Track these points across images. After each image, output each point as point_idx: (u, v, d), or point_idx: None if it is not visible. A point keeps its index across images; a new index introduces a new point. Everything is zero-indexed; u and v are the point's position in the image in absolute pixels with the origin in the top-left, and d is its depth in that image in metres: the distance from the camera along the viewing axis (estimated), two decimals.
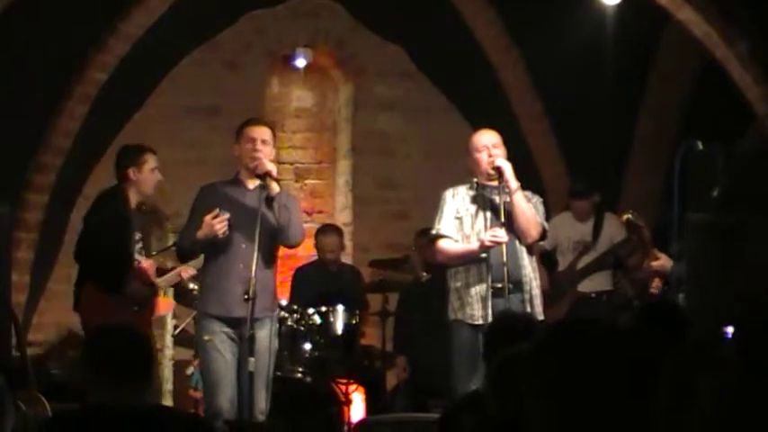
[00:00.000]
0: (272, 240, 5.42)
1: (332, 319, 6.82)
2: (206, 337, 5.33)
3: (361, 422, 6.38)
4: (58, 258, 8.48)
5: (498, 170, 5.46)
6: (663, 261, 5.85)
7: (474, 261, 5.47)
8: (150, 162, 5.92)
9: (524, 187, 5.58)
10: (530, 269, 5.53)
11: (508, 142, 5.66)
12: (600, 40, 7.47)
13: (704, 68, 7.62)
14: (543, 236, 5.69)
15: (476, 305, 5.44)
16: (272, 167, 5.41)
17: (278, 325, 5.77)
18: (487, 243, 5.37)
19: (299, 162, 9.44)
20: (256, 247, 5.21)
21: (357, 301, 7.15)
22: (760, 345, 1.52)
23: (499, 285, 5.37)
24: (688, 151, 5.16)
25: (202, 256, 5.63)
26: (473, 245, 5.47)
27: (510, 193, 5.45)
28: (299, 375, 6.67)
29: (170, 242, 6.73)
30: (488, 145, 5.54)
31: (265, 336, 5.33)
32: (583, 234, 7.28)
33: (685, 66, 8.00)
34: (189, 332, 6.72)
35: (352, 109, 9.30)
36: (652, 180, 8.09)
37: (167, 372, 7.81)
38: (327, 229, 7.77)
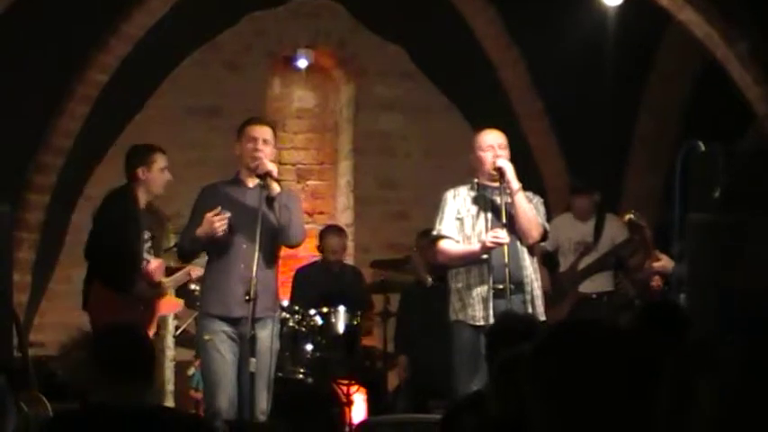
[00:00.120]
0: (273, 240, 5.42)
1: (333, 320, 6.82)
2: (206, 337, 5.33)
3: (362, 423, 6.37)
4: (60, 259, 8.49)
5: (500, 171, 5.46)
6: (664, 262, 5.85)
7: (475, 262, 5.46)
8: (159, 162, 5.93)
9: (525, 186, 5.58)
10: (531, 270, 5.53)
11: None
12: (601, 39, 7.47)
13: (705, 69, 7.62)
14: (544, 237, 5.69)
15: (477, 306, 5.44)
16: (272, 167, 5.41)
17: (279, 325, 5.77)
18: (489, 244, 5.36)
19: (300, 163, 9.44)
20: (257, 247, 5.21)
21: (359, 302, 7.15)
22: (761, 345, 1.52)
23: (500, 286, 5.37)
24: (689, 151, 5.15)
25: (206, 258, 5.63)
26: (474, 246, 5.46)
27: (511, 194, 5.45)
28: (301, 376, 6.67)
29: (171, 243, 6.74)
30: (494, 145, 5.52)
31: (267, 336, 5.32)
32: (584, 235, 7.28)
33: (686, 66, 8.00)
34: (190, 333, 6.73)
35: (353, 109, 9.30)
36: (652, 179, 8.09)
37: (168, 372, 7.82)
38: (332, 230, 7.77)
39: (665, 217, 5.78)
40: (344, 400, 6.62)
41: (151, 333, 5.95)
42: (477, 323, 5.42)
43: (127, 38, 7.70)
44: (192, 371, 6.95)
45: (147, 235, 5.96)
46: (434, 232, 5.63)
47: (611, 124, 8.05)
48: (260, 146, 5.45)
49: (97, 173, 8.64)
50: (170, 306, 6.24)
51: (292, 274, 7.70)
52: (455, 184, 5.70)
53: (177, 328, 7.14)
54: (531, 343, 1.87)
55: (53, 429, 2.95)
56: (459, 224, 5.55)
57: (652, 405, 1.68)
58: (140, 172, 5.89)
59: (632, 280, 7.07)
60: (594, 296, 7.15)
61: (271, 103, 9.31)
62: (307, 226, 6.21)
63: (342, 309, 6.84)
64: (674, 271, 5.62)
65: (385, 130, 9.22)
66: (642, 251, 6.69)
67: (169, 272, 6.13)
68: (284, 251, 5.70)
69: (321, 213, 9.31)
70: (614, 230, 7.16)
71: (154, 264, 5.98)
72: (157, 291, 5.98)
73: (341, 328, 6.82)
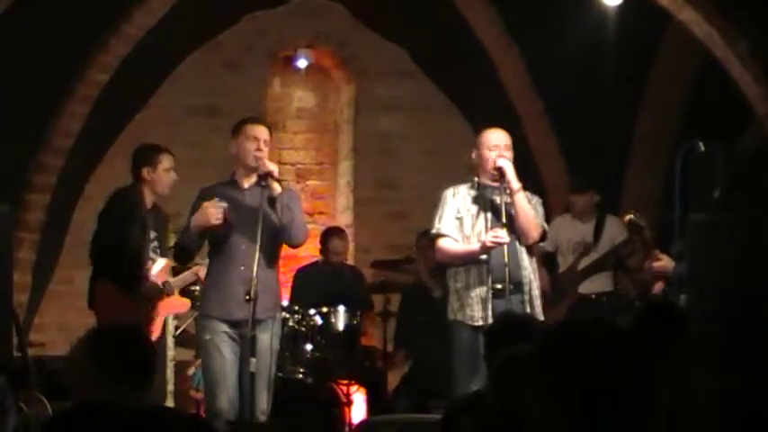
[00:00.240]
0: (274, 240, 5.41)
1: (333, 320, 6.83)
2: (207, 337, 5.32)
3: (362, 423, 6.37)
4: (60, 259, 8.50)
5: (500, 170, 5.45)
6: (664, 262, 5.84)
7: (474, 262, 5.46)
8: (165, 162, 5.94)
9: (525, 186, 5.57)
10: (530, 270, 5.52)
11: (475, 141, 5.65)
12: (601, 39, 7.47)
13: (705, 69, 7.62)
14: (543, 237, 5.69)
15: (476, 306, 5.44)
16: (273, 168, 5.40)
17: (281, 325, 5.77)
18: (489, 244, 5.35)
19: (300, 163, 9.44)
20: (258, 248, 5.21)
21: (359, 302, 7.15)
22: (761, 345, 1.53)
23: (500, 286, 5.36)
24: (689, 152, 5.15)
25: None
26: (474, 245, 5.45)
27: (511, 194, 5.44)
28: (300, 376, 6.67)
29: (171, 243, 6.73)
30: (500, 145, 5.51)
31: (268, 336, 5.32)
32: (584, 235, 7.28)
33: (686, 66, 8.00)
34: (190, 333, 6.73)
35: (353, 109, 9.30)
36: (652, 180, 8.09)
37: (168, 372, 7.82)
38: (335, 232, 7.77)
39: (665, 217, 5.77)
40: (344, 400, 6.62)
41: (157, 332, 5.96)
42: (476, 323, 5.41)
43: (127, 38, 7.70)
44: (192, 371, 6.95)
45: (152, 235, 5.96)
46: (433, 230, 5.62)
47: (611, 124, 8.05)
48: (262, 146, 5.44)
49: (97, 173, 8.64)
50: (177, 306, 6.23)
51: (292, 274, 7.70)
52: (455, 183, 5.70)
53: (177, 328, 7.13)
54: (530, 343, 1.87)
55: (53, 429, 2.95)
56: (459, 223, 5.54)
57: (652, 405, 1.68)
58: (145, 172, 5.90)
59: (633, 280, 7.07)
60: (594, 296, 7.15)
61: (271, 103, 9.31)
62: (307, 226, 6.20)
63: (341, 309, 6.84)
64: (674, 271, 5.62)
65: (385, 130, 9.21)
66: (642, 252, 6.69)
67: (175, 272, 6.14)
68: (284, 251, 5.69)
69: (321, 214, 9.31)
70: (614, 231, 7.16)
71: (160, 263, 5.98)
72: (161, 289, 5.98)
73: (340, 328, 6.82)
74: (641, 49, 7.95)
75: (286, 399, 5.84)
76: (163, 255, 6.04)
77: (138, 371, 2.86)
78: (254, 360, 5.27)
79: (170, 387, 7.79)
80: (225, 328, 5.30)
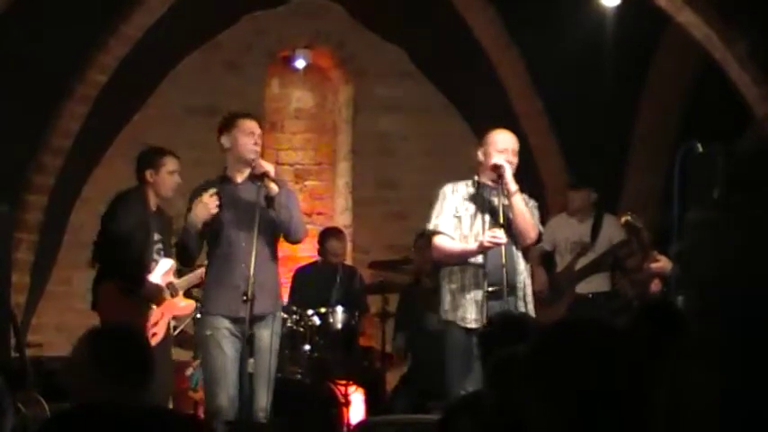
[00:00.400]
0: (273, 237, 5.42)
1: (331, 321, 6.82)
2: (208, 333, 5.30)
3: (360, 423, 6.37)
4: (58, 260, 8.49)
5: (498, 169, 5.43)
6: (663, 263, 5.84)
7: (470, 263, 5.44)
8: (169, 165, 5.95)
9: (524, 186, 5.57)
10: (525, 275, 5.52)
11: (482, 139, 5.64)
12: (600, 40, 7.47)
13: (704, 68, 7.62)
14: (539, 239, 5.70)
15: (469, 308, 5.41)
16: (270, 168, 5.38)
17: (281, 322, 5.77)
18: (486, 244, 5.34)
19: (298, 163, 9.44)
20: (254, 247, 5.20)
21: (356, 303, 7.15)
22: (760, 345, 1.52)
23: (496, 288, 5.35)
24: (687, 152, 5.14)
25: None
26: (471, 245, 5.43)
27: (508, 195, 5.42)
28: (299, 377, 6.66)
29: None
30: (508, 149, 5.48)
31: (268, 334, 5.30)
32: (581, 235, 7.28)
33: (685, 66, 8.00)
34: (188, 333, 6.72)
35: (352, 110, 9.30)
36: (652, 179, 8.09)
37: None
38: (333, 233, 7.77)
39: (664, 217, 5.77)
40: (343, 400, 6.61)
41: (161, 333, 5.95)
42: (469, 325, 5.40)
43: (126, 38, 7.69)
44: (190, 371, 6.94)
45: (156, 237, 5.96)
46: (430, 226, 5.57)
47: (611, 124, 8.05)
48: (258, 140, 5.44)
49: (96, 173, 8.64)
50: (182, 307, 6.22)
51: (291, 274, 7.70)
52: (454, 181, 5.67)
53: (175, 328, 7.13)
54: (526, 343, 1.87)
55: (51, 430, 2.94)
56: (457, 222, 5.52)
57: (651, 405, 1.67)
58: (148, 174, 5.91)
59: (631, 280, 7.06)
60: (591, 296, 7.15)
61: (269, 104, 9.31)
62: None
63: (339, 309, 6.84)
64: (672, 271, 5.61)
65: (384, 130, 9.21)
66: (639, 253, 6.68)
67: (180, 274, 6.13)
68: (282, 251, 5.68)
69: (320, 214, 9.31)
70: (612, 231, 7.16)
71: (164, 265, 5.98)
72: (164, 291, 5.98)
73: (339, 328, 6.82)
74: (640, 49, 7.95)
75: (284, 399, 5.83)
76: (167, 257, 6.03)
77: (137, 371, 2.86)
78: (251, 360, 5.26)
79: None
80: (226, 324, 5.29)
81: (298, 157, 9.45)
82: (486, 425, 2.60)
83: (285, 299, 6.90)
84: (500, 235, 5.32)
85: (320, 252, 7.69)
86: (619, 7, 7.21)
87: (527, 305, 5.49)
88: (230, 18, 8.90)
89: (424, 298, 7.13)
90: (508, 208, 5.44)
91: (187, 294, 6.24)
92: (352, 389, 6.67)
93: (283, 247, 5.73)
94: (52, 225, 8.06)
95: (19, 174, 7.67)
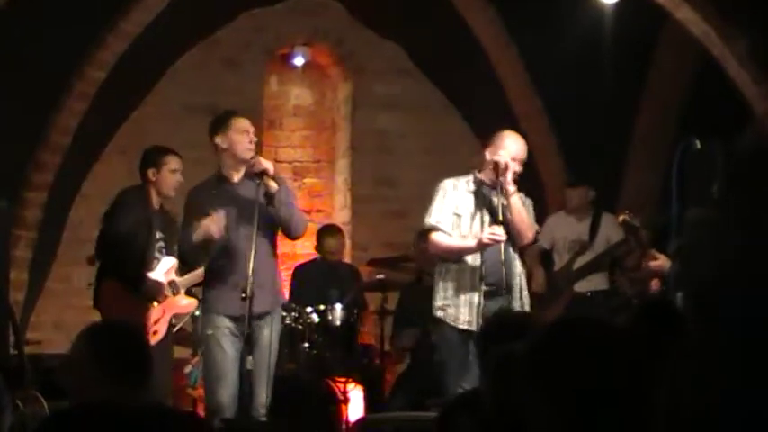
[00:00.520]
0: (272, 235, 5.43)
1: (330, 318, 6.82)
2: (209, 332, 5.32)
3: (359, 421, 6.37)
4: (57, 257, 8.49)
5: (497, 166, 5.42)
6: (661, 261, 5.83)
7: (468, 263, 5.42)
8: (171, 164, 5.96)
9: (523, 184, 5.56)
10: (522, 275, 5.53)
11: (493, 136, 5.63)
12: (599, 37, 7.47)
13: (704, 65, 7.61)
14: (535, 239, 5.71)
15: (463, 309, 5.40)
16: (269, 166, 5.39)
17: (282, 317, 5.79)
18: (486, 241, 5.33)
19: (297, 161, 9.43)
20: (253, 246, 5.20)
21: (356, 300, 7.14)
22: (760, 345, 1.52)
23: (493, 286, 5.35)
24: (686, 149, 5.14)
25: None
26: (470, 242, 5.43)
27: (506, 195, 5.40)
28: (297, 374, 6.66)
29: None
30: (518, 158, 5.47)
31: (268, 331, 5.32)
32: (579, 233, 7.27)
33: (684, 64, 8.00)
34: (187, 331, 6.72)
35: (350, 107, 9.29)
36: (651, 178, 8.09)
37: None
38: (329, 231, 7.77)
39: (662, 216, 5.77)
40: (341, 397, 6.61)
41: (162, 331, 5.95)
42: (461, 326, 5.39)
43: (124, 35, 7.69)
44: (188, 368, 6.94)
45: (159, 235, 5.97)
46: (431, 221, 5.53)
47: (610, 123, 8.04)
48: (252, 138, 5.44)
49: (95, 171, 8.64)
50: (183, 305, 6.22)
51: (290, 272, 7.70)
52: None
53: (174, 325, 7.13)
54: (525, 341, 1.87)
55: (49, 428, 2.94)
56: (457, 220, 5.50)
57: (650, 404, 1.67)
58: (151, 173, 5.93)
59: (629, 279, 7.06)
60: (590, 295, 7.15)
61: (268, 101, 9.30)
62: None
63: (338, 306, 6.84)
64: (671, 270, 5.61)
65: (382, 128, 9.21)
66: (637, 252, 6.68)
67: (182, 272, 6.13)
68: (281, 249, 5.68)
69: (319, 211, 9.30)
70: (610, 230, 7.15)
71: (167, 263, 5.98)
72: (165, 289, 5.97)
73: (338, 325, 6.82)
74: (639, 46, 7.95)
75: (283, 396, 5.83)
76: (169, 255, 6.03)
77: (136, 371, 2.85)
78: (250, 358, 5.26)
79: None
80: (227, 323, 5.30)
81: (296, 154, 9.44)
82: (485, 423, 2.60)
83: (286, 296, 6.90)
84: (499, 232, 5.32)
85: (318, 249, 7.70)
86: (617, 5, 7.21)
87: (524, 305, 5.48)
88: (229, 15, 8.90)
89: (425, 296, 7.12)
90: (507, 207, 5.44)
91: (188, 292, 6.24)
92: (350, 386, 6.68)
93: (283, 245, 5.74)
94: (51, 222, 8.06)
95: (18, 171, 7.67)
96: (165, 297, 5.98)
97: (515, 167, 5.43)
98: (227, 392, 5.25)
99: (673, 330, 2.65)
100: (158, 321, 5.95)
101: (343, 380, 6.68)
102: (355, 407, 6.72)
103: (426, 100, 9.14)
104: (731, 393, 1.47)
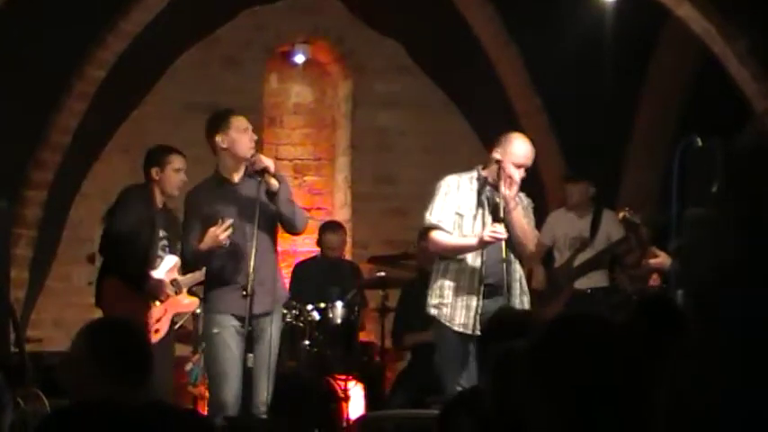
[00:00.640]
0: (273, 232, 5.44)
1: (330, 316, 6.83)
2: (215, 331, 5.33)
3: (360, 418, 6.38)
4: (57, 255, 8.49)
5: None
6: (662, 259, 5.83)
7: (468, 264, 5.41)
8: (175, 163, 5.97)
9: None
10: (522, 281, 5.53)
11: (507, 137, 5.62)
12: (599, 35, 7.46)
13: (704, 63, 7.61)
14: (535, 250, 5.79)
15: (459, 311, 5.39)
16: (269, 163, 5.38)
17: (282, 314, 5.80)
18: (487, 238, 5.31)
19: (297, 158, 9.43)
20: (254, 244, 5.21)
21: (356, 298, 7.14)
22: (761, 344, 1.53)
23: (493, 286, 5.35)
24: (687, 147, 5.14)
25: None
26: (471, 239, 5.41)
27: (508, 212, 5.37)
28: (298, 372, 6.67)
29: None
30: (524, 164, 5.44)
31: (269, 329, 5.33)
32: (580, 230, 7.27)
33: (685, 62, 8.00)
34: (188, 329, 6.72)
35: (351, 105, 9.29)
36: (651, 176, 8.09)
37: None
38: (330, 227, 7.78)
39: (662, 214, 5.77)
40: (342, 395, 6.62)
41: (163, 330, 5.95)
42: (455, 329, 5.39)
43: (124, 34, 7.69)
44: (189, 366, 6.94)
45: (162, 234, 5.97)
46: (433, 220, 5.49)
47: (610, 121, 8.04)
48: (252, 136, 5.43)
49: (95, 169, 8.64)
50: (185, 304, 6.22)
51: (291, 269, 7.70)
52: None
53: (175, 323, 7.14)
54: (527, 339, 1.87)
55: (50, 426, 2.94)
56: (459, 219, 5.48)
57: (649, 402, 1.68)
58: (154, 172, 5.94)
59: (630, 276, 7.06)
60: (590, 292, 7.15)
61: (268, 99, 9.30)
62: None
63: (339, 304, 6.84)
64: (671, 267, 5.61)
65: (383, 125, 9.21)
66: (638, 249, 6.68)
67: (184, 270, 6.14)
68: (282, 246, 5.69)
69: (319, 209, 9.30)
70: (611, 227, 7.15)
71: (169, 261, 5.98)
72: (166, 288, 5.98)
73: (338, 323, 6.82)
74: (639, 45, 7.94)
75: (284, 394, 5.84)
76: (172, 254, 6.03)
77: (136, 371, 2.85)
78: (251, 356, 5.27)
79: None
80: (233, 322, 5.31)
81: (297, 152, 9.44)
82: (485, 421, 2.60)
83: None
84: (500, 230, 5.31)
85: (319, 245, 7.71)
86: (618, 2, 7.21)
87: (523, 305, 5.48)
88: (229, 13, 8.89)
89: (425, 293, 7.11)
90: (509, 222, 5.41)
91: (189, 291, 6.25)
92: (351, 384, 6.68)
93: (283, 243, 5.74)
94: (51, 221, 8.06)
95: (18, 170, 7.67)
96: (168, 296, 5.98)
97: (520, 174, 5.42)
98: (232, 391, 5.26)
99: (672, 328, 2.65)
100: (160, 320, 5.95)
101: (343, 377, 6.68)
102: (356, 404, 6.72)
103: (426, 98, 9.14)
104: (731, 393, 1.47)
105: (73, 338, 2.91)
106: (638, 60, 8.02)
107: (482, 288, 5.34)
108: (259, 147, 5.69)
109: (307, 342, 6.76)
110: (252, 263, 5.17)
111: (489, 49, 8.30)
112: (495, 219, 5.38)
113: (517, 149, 5.43)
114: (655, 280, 6.34)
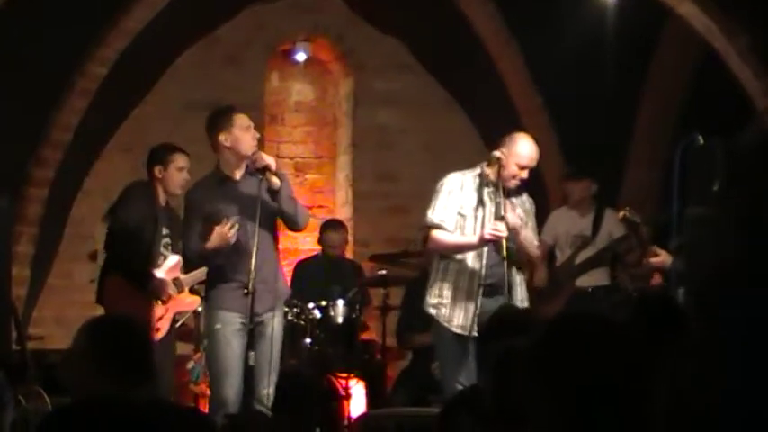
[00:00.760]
0: (274, 230, 5.45)
1: (332, 314, 6.83)
2: (218, 326, 5.33)
3: (361, 416, 6.38)
4: (58, 253, 8.49)
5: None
6: (662, 257, 5.83)
7: (468, 266, 5.41)
8: (178, 162, 5.97)
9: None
10: (521, 286, 5.54)
11: (507, 136, 5.62)
12: (600, 33, 7.46)
13: (705, 61, 7.61)
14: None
15: (458, 313, 5.39)
16: (271, 161, 5.39)
17: (285, 311, 5.80)
18: (487, 237, 5.31)
19: (298, 157, 9.43)
20: (255, 243, 5.21)
21: (359, 296, 7.14)
22: (761, 344, 1.53)
23: (493, 285, 5.35)
24: (688, 145, 5.14)
25: None
26: (472, 238, 5.42)
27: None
28: (299, 370, 6.67)
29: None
30: (530, 165, 5.45)
31: (271, 325, 5.34)
32: (582, 228, 7.27)
33: (686, 60, 7.99)
34: (189, 327, 6.72)
35: (352, 103, 9.29)
36: (652, 174, 8.08)
37: None
38: (331, 225, 7.78)
39: (663, 213, 5.77)
40: (343, 393, 6.62)
41: (165, 329, 5.96)
42: (455, 330, 5.39)
43: (126, 32, 7.69)
44: (191, 364, 6.95)
45: (164, 232, 5.98)
46: (435, 219, 5.48)
47: (611, 119, 8.04)
48: (255, 134, 5.44)
49: (96, 167, 8.64)
50: (187, 303, 6.22)
51: (292, 267, 7.70)
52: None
53: (176, 321, 7.14)
54: (528, 337, 1.88)
55: (52, 424, 2.94)
56: (461, 220, 5.48)
57: (650, 401, 1.68)
58: (157, 170, 5.94)
59: (631, 274, 7.06)
60: (591, 290, 7.15)
61: (269, 97, 9.30)
62: None
63: (340, 302, 6.84)
64: (672, 266, 5.61)
65: (384, 123, 9.21)
66: (639, 248, 6.68)
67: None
68: (283, 244, 5.69)
69: (320, 207, 9.30)
70: (612, 225, 7.15)
71: (171, 260, 5.98)
72: (173, 288, 5.98)
73: (340, 321, 6.82)
74: (641, 43, 7.94)
75: (285, 392, 5.84)
76: (174, 252, 6.04)
77: (137, 368, 2.86)
78: (252, 353, 5.28)
79: None
80: (235, 318, 5.32)
81: (298, 150, 9.45)
82: (485, 420, 2.60)
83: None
84: (501, 228, 5.31)
85: (320, 243, 7.71)
86: (619, 0, 7.20)
87: (523, 304, 5.49)
88: (229, 12, 8.89)
89: None
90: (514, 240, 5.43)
91: (191, 290, 6.25)
92: (352, 382, 6.68)
93: (284, 241, 5.74)
94: (52, 218, 8.06)
95: (19, 167, 7.68)
96: (170, 296, 5.97)
97: (522, 175, 5.41)
98: (233, 387, 5.27)
99: (673, 327, 2.65)
100: (161, 318, 5.95)
101: (344, 376, 6.69)
102: (357, 403, 6.72)
103: (427, 96, 9.14)
104: (731, 393, 1.48)
105: (74, 336, 2.91)
106: (639, 58, 8.02)
107: (481, 290, 5.34)
108: (260, 145, 5.69)
109: (308, 340, 6.76)
110: (253, 261, 5.18)
111: (490, 46, 8.30)
112: (496, 217, 5.39)
113: (522, 150, 5.43)
114: (657, 279, 6.34)
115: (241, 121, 5.44)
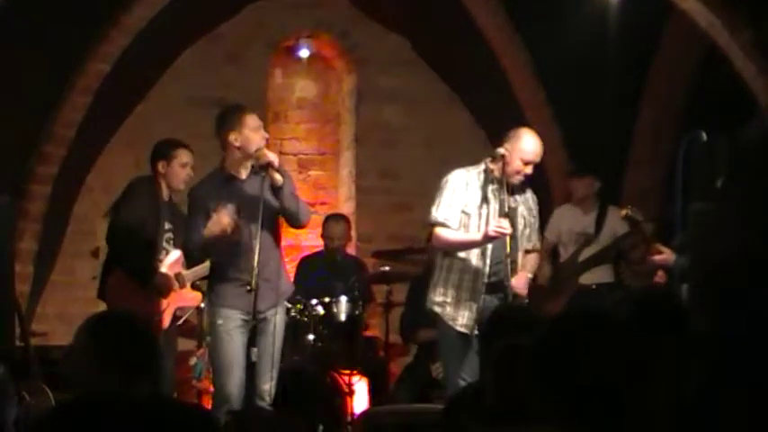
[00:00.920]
0: (276, 227, 5.46)
1: (335, 310, 6.83)
2: (220, 322, 5.35)
3: (364, 413, 6.38)
4: (61, 249, 8.50)
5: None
6: (666, 255, 5.83)
7: (473, 264, 5.41)
8: (181, 157, 5.98)
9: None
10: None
11: (510, 132, 5.62)
12: (603, 29, 7.45)
13: (708, 57, 7.60)
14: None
15: (462, 312, 5.39)
16: (274, 158, 5.39)
17: (288, 308, 5.81)
18: (492, 233, 5.32)
19: (302, 153, 9.43)
20: (258, 241, 5.22)
21: (362, 293, 7.14)
22: (762, 343, 1.52)
23: (497, 284, 5.35)
24: (692, 142, 5.14)
25: None
26: (476, 235, 5.42)
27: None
28: (302, 366, 6.67)
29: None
30: (534, 160, 5.45)
31: (280, 320, 5.37)
32: (585, 226, 7.27)
33: (689, 56, 7.98)
34: (192, 323, 6.73)
35: (355, 99, 9.29)
36: (656, 171, 8.07)
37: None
38: (334, 218, 7.79)
39: (665, 210, 5.77)
40: (346, 390, 6.62)
41: (166, 324, 5.96)
42: (457, 328, 5.39)
43: (128, 29, 7.68)
44: (193, 361, 6.96)
45: (167, 226, 5.98)
46: (439, 218, 5.48)
47: (614, 114, 8.03)
48: (264, 135, 5.46)
49: (99, 163, 8.64)
50: (189, 298, 6.23)
51: (295, 263, 7.70)
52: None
53: (179, 318, 7.15)
54: (531, 334, 1.88)
55: (55, 419, 2.95)
56: (465, 218, 5.47)
57: (651, 400, 1.68)
58: (160, 166, 5.95)
59: (634, 272, 7.06)
60: (594, 287, 7.14)
61: (272, 93, 9.30)
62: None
63: (343, 299, 6.84)
64: (675, 263, 5.61)
65: (387, 120, 9.20)
66: (642, 245, 6.67)
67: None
68: (286, 241, 5.70)
69: (323, 204, 9.30)
70: (616, 223, 7.14)
71: (173, 255, 5.98)
72: (175, 283, 5.98)
73: (342, 318, 6.82)
74: (644, 39, 7.93)
75: (287, 389, 5.85)
76: (177, 247, 6.04)
77: (139, 363, 2.86)
78: (255, 350, 5.28)
79: None
80: (238, 315, 5.32)
81: (301, 146, 9.44)
82: (488, 417, 2.60)
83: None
84: (505, 225, 5.31)
85: (323, 236, 7.71)
86: None
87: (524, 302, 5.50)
88: (232, 9, 8.89)
89: None
90: (513, 206, 5.43)
91: (193, 286, 6.26)
92: (355, 378, 6.68)
93: (288, 237, 5.75)
94: (56, 214, 8.06)
95: (22, 164, 7.68)
96: (172, 290, 5.98)
97: (527, 170, 5.41)
98: (236, 382, 5.29)
99: (673, 326, 2.65)
100: (162, 314, 5.96)
101: (347, 372, 6.69)
102: (360, 399, 6.73)
103: (431, 92, 9.13)
104: (731, 393, 1.47)
105: (76, 332, 2.91)
106: (642, 54, 8.01)
107: (484, 288, 5.34)
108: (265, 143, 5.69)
109: (311, 337, 6.76)
110: (256, 258, 5.18)
111: (494, 42, 8.29)
112: (501, 214, 5.39)
113: (526, 145, 5.43)
114: (661, 277, 6.33)
115: (252, 121, 5.45)
